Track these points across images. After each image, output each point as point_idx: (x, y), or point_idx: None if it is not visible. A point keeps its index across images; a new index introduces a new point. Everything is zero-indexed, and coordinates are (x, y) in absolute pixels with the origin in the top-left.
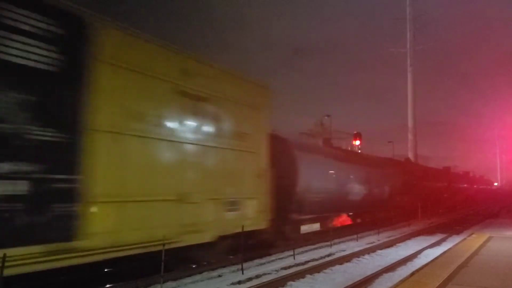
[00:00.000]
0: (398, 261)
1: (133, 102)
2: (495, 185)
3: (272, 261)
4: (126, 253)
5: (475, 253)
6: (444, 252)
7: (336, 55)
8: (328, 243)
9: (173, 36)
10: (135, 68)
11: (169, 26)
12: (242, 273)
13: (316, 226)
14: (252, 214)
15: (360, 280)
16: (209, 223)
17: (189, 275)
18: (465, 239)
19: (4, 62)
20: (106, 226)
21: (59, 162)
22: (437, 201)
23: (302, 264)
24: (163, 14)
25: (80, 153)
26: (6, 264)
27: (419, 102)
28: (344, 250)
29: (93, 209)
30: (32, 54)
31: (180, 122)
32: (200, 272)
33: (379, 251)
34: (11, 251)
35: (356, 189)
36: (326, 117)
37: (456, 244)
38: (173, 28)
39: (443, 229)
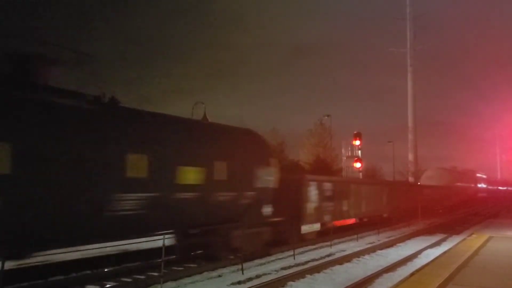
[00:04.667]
0: (398, 261)
1: None
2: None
3: (272, 261)
4: None
5: (475, 253)
6: (444, 252)
7: (336, 55)
8: (328, 243)
9: (172, 35)
10: None
11: (168, 24)
12: (242, 273)
13: (316, 226)
14: None
15: (360, 280)
16: None
17: (189, 275)
18: (465, 239)
19: None
20: None
21: None
22: None
23: (302, 264)
24: (162, 12)
25: None
26: None
27: (419, 102)
28: (344, 250)
29: None
30: None
31: None
32: (200, 272)
33: (379, 251)
34: None
35: None
36: (326, 117)
37: (456, 244)
38: (172, 27)
39: (443, 229)
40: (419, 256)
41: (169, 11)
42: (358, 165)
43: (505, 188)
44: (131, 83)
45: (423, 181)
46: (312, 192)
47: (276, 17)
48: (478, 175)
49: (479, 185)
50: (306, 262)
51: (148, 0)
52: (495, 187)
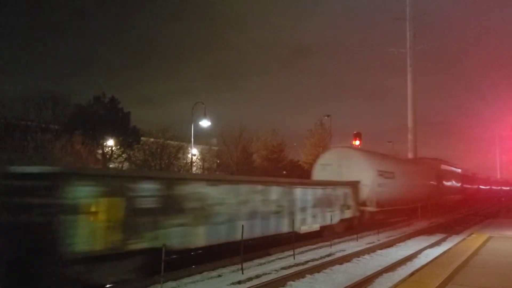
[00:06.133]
0: (398, 261)
1: None
2: None
3: (272, 261)
4: None
5: (475, 253)
6: (444, 252)
7: (336, 55)
8: (328, 243)
9: (172, 35)
10: None
11: (169, 25)
12: (242, 273)
13: (316, 226)
14: None
15: (360, 280)
16: None
17: (189, 275)
18: (465, 239)
19: None
20: None
21: None
22: None
23: (302, 264)
24: (162, 12)
25: None
26: None
27: (419, 102)
28: (344, 250)
29: None
30: None
31: None
32: (200, 272)
33: (379, 251)
34: None
35: None
36: (326, 117)
37: (456, 244)
38: (172, 27)
39: (443, 229)
40: (419, 256)
41: (170, 11)
42: (357, 142)
43: (488, 187)
44: (132, 83)
45: (317, 172)
46: None
47: (276, 17)
48: (445, 167)
49: (448, 183)
50: (306, 262)
51: (148, 1)
52: (476, 186)
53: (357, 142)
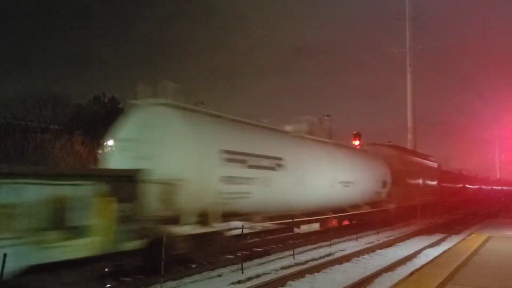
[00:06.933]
0: (397, 260)
1: None
2: None
3: (272, 261)
4: None
5: (475, 253)
6: (444, 252)
7: (336, 55)
8: (328, 243)
9: (173, 35)
10: None
11: (169, 24)
12: (242, 273)
13: (316, 226)
14: None
15: (360, 279)
16: None
17: (189, 275)
18: (464, 239)
19: None
20: None
21: None
22: None
23: (302, 264)
24: (163, 12)
25: None
26: None
27: (419, 102)
28: (343, 250)
29: None
30: None
31: None
32: (200, 272)
33: (378, 251)
34: None
35: None
36: (326, 117)
37: (456, 244)
38: (173, 27)
39: (443, 229)
40: (418, 255)
41: (170, 11)
42: (357, 142)
43: (477, 187)
44: (132, 83)
45: (114, 155)
46: None
47: (276, 18)
48: (411, 159)
49: (414, 181)
50: (306, 262)
51: (149, 1)
52: (460, 186)
53: (357, 142)
